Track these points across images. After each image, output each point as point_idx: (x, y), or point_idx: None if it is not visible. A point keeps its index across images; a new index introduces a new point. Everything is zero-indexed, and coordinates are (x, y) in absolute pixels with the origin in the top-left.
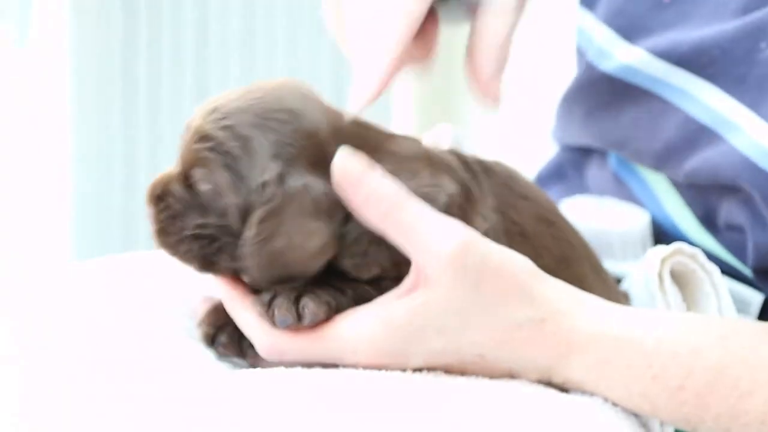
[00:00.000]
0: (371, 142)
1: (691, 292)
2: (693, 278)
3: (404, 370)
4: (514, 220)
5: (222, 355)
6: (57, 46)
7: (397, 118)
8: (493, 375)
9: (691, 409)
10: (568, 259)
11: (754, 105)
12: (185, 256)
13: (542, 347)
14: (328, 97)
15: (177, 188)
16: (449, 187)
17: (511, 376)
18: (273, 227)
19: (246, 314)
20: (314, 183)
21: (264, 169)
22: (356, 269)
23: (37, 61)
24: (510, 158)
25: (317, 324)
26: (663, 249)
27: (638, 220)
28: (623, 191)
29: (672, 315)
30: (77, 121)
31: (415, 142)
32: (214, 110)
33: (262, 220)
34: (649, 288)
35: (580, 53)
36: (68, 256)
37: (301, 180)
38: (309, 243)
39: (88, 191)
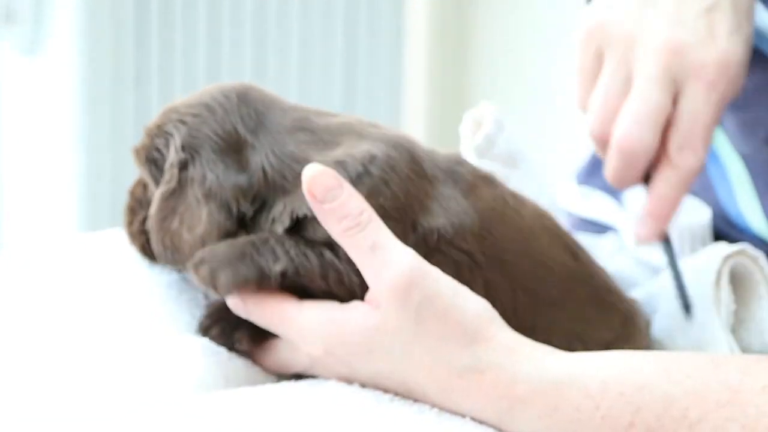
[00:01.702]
0: (302, 122)
1: (743, 293)
2: (749, 280)
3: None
4: (495, 240)
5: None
6: (68, 55)
7: (407, 117)
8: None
9: None
10: (559, 302)
11: None
12: (138, 249)
13: (484, 400)
14: (339, 98)
15: (138, 186)
16: (371, 149)
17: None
18: (171, 207)
19: None
20: (213, 172)
21: (171, 158)
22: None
23: (48, 69)
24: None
25: (284, 304)
26: (727, 247)
27: (700, 216)
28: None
29: (612, 355)
30: (87, 131)
31: (351, 119)
32: (161, 111)
33: (162, 199)
34: (702, 282)
35: None
36: None
37: (200, 169)
38: (194, 228)
39: (99, 203)
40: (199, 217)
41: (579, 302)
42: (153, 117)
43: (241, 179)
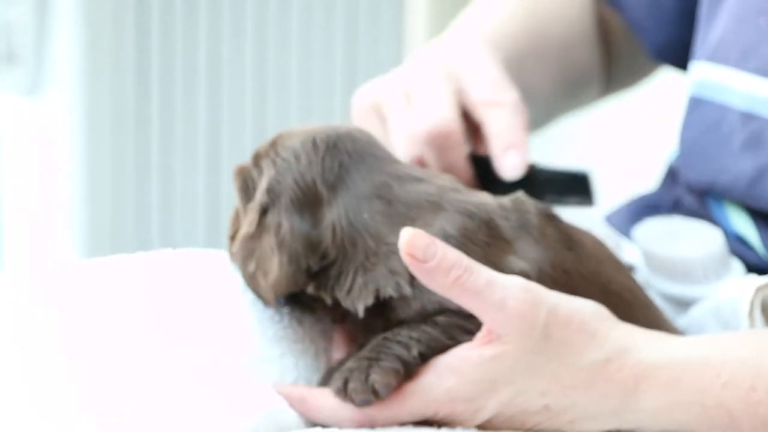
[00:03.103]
0: (382, 189)
1: None
2: None
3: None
4: (566, 272)
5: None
6: (69, 96)
7: None
8: (556, 429)
9: (767, 409)
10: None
11: None
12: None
13: (608, 387)
14: (339, 102)
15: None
16: (443, 225)
17: (578, 425)
18: (249, 250)
19: (320, 404)
20: (288, 222)
21: (254, 200)
22: (346, 301)
23: (49, 111)
24: None
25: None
26: (759, 279)
27: (716, 241)
28: (701, 209)
29: (728, 334)
30: (87, 172)
31: (433, 187)
32: (276, 135)
33: (243, 239)
34: (737, 311)
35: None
36: None
37: (277, 217)
38: (267, 276)
39: (99, 244)
40: (272, 265)
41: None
42: (153, 159)
43: (313, 234)
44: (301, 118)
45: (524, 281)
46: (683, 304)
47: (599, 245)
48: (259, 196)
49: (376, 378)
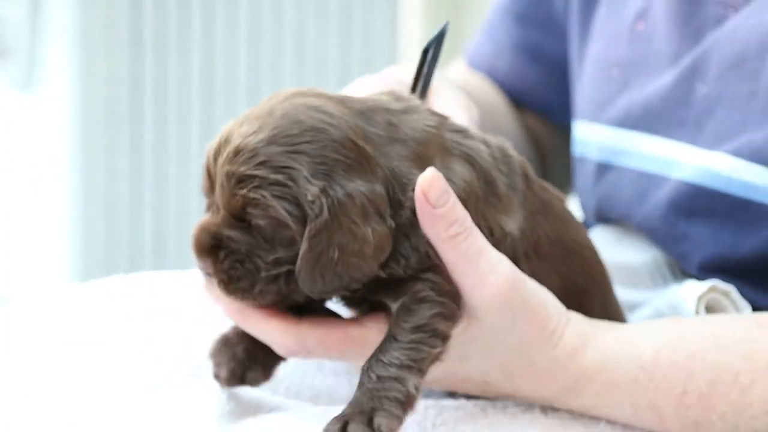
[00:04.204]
0: (392, 131)
1: None
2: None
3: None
4: (535, 233)
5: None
6: (63, 91)
7: None
8: (491, 397)
9: (698, 411)
10: (581, 291)
11: (692, 140)
12: (262, 297)
13: (550, 383)
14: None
15: (232, 233)
16: (462, 173)
17: (511, 398)
18: (324, 240)
19: (266, 325)
20: (355, 188)
21: (308, 190)
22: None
23: (43, 105)
24: None
25: (348, 330)
26: (699, 286)
27: (647, 251)
28: None
29: (665, 323)
30: (82, 166)
31: (432, 118)
32: (238, 151)
33: (313, 235)
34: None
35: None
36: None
37: (342, 190)
38: (363, 248)
39: (94, 238)
40: (364, 236)
41: (589, 293)
42: (147, 152)
43: (379, 188)
44: None
45: (510, 266)
46: (629, 309)
47: (564, 207)
48: (311, 186)
49: (383, 422)
